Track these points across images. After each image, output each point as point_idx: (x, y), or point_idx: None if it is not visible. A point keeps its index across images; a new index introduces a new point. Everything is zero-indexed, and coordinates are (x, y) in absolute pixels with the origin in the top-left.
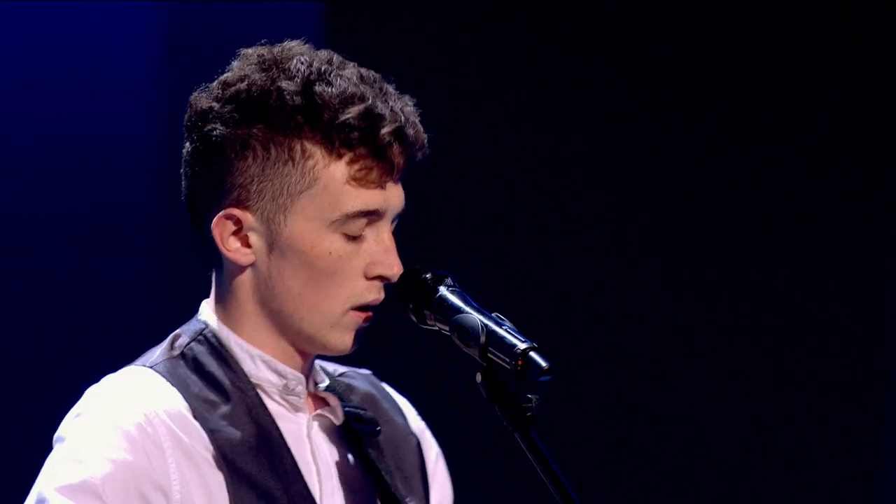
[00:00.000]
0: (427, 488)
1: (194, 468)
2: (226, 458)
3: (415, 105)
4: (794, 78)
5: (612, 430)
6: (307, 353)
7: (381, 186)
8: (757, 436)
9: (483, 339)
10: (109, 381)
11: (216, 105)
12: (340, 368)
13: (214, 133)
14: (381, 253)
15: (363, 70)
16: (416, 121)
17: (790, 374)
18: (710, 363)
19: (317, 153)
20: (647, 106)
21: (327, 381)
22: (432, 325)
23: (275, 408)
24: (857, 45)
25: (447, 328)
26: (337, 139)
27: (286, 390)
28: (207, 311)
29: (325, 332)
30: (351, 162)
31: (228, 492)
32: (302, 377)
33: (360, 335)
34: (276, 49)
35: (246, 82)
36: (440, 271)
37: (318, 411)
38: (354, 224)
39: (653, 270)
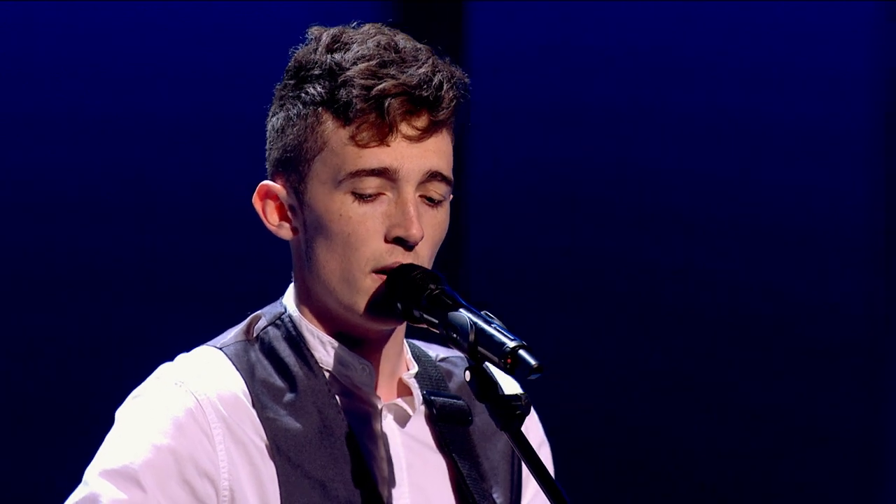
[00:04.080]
0: (519, 479)
1: (245, 456)
2: (279, 449)
3: (453, 73)
4: None
5: (602, 427)
6: (368, 336)
7: (386, 144)
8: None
9: (472, 336)
10: (178, 361)
11: (277, 87)
12: (444, 353)
13: (270, 114)
14: (399, 214)
15: (400, 38)
16: (441, 83)
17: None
18: (703, 361)
19: (328, 118)
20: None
21: (416, 369)
22: (422, 324)
23: (345, 397)
24: None
25: (436, 326)
26: (341, 100)
27: (357, 378)
28: (288, 295)
29: (356, 300)
30: (353, 121)
31: (279, 483)
32: (370, 365)
33: None
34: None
35: (292, 60)
36: (430, 269)
37: (395, 400)
38: (363, 183)
39: (648, 266)
